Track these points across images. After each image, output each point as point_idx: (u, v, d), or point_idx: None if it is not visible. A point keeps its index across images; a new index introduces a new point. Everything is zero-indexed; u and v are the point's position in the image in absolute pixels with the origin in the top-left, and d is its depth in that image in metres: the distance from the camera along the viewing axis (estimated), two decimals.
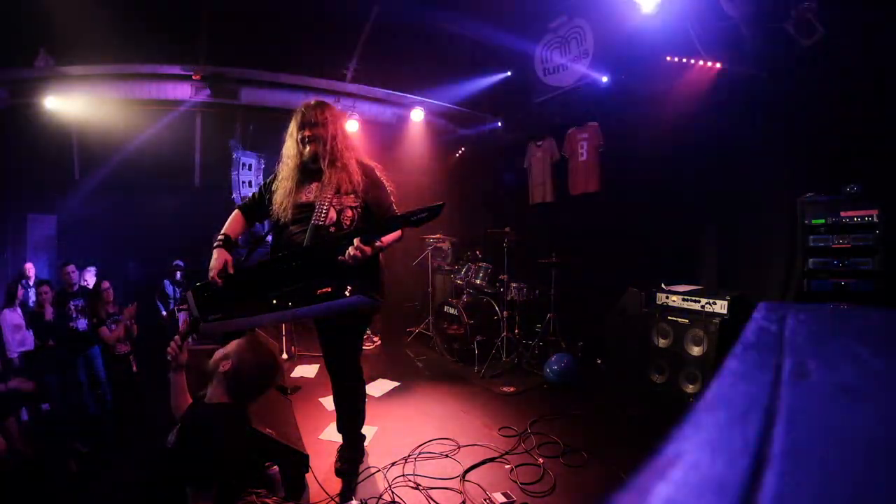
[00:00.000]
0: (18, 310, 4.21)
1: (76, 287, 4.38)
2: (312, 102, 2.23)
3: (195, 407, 1.71)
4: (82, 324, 4.11)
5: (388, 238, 2.04)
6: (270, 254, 2.22)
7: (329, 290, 1.97)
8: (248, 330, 1.97)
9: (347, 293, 1.97)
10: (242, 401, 1.67)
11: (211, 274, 2.04)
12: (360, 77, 5.70)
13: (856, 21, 3.05)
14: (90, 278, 5.01)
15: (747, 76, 3.73)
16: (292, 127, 2.23)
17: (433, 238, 5.89)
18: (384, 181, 2.31)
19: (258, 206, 2.33)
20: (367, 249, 1.86)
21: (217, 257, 2.08)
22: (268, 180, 2.34)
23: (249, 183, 6.04)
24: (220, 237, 2.18)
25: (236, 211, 2.33)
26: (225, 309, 2.06)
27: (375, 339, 5.20)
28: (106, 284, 4.31)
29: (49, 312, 4.07)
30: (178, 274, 5.20)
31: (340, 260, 1.89)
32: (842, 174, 3.16)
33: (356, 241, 1.87)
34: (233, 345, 1.70)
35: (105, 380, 4.18)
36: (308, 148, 2.17)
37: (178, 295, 5.06)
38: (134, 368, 4.33)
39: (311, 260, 2.02)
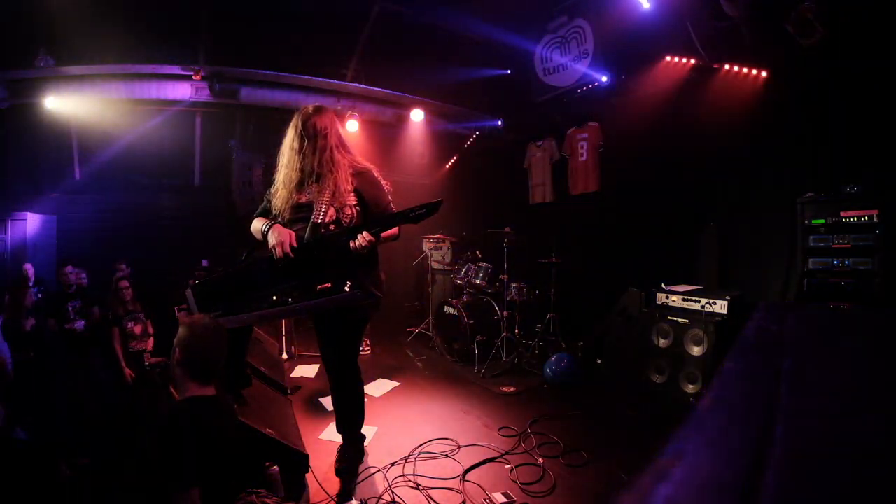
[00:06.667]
0: None
1: (73, 288, 4.34)
2: (310, 110, 2.21)
3: (167, 407, 1.71)
4: (80, 325, 4.07)
5: (385, 234, 2.09)
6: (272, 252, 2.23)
7: (329, 285, 2.01)
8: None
9: (347, 288, 2.00)
10: (207, 378, 1.65)
11: (288, 242, 2.05)
12: (360, 77, 5.70)
13: (856, 21, 3.05)
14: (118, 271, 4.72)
15: (747, 76, 3.73)
16: (290, 136, 2.22)
17: (433, 238, 5.88)
18: (381, 181, 2.34)
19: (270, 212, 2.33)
20: (373, 239, 2.00)
21: (280, 230, 2.10)
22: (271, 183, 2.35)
23: (249, 183, 6.04)
24: (268, 222, 2.18)
25: (258, 217, 2.32)
26: (224, 306, 2.07)
27: (367, 343, 5.10)
28: (125, 284, 4.13)
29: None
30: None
31: (352, 247, 1.99)
32: (842, 174, 3.16)
33: (364, 233, 1.98)
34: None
35: (104, 381, 4.12)
36: (307, 160, 2.18)
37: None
38: (147, 361, 4.13)
39: (312, 255, 2.04)
